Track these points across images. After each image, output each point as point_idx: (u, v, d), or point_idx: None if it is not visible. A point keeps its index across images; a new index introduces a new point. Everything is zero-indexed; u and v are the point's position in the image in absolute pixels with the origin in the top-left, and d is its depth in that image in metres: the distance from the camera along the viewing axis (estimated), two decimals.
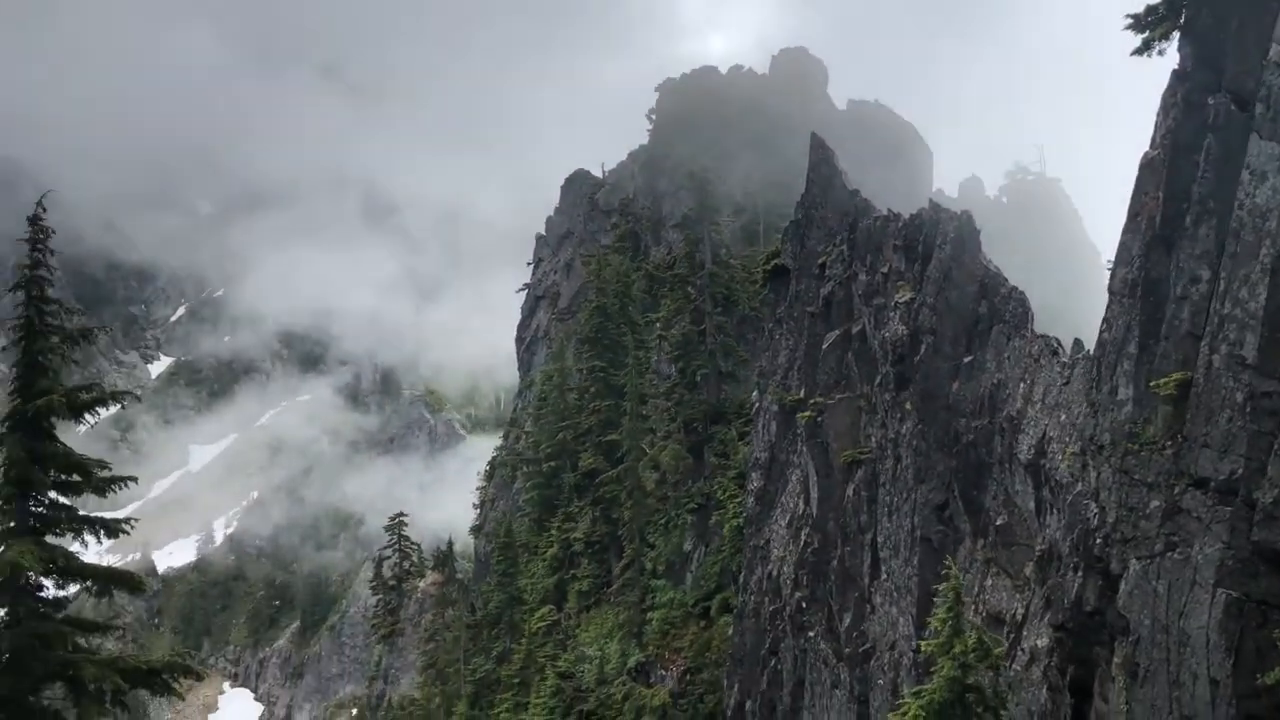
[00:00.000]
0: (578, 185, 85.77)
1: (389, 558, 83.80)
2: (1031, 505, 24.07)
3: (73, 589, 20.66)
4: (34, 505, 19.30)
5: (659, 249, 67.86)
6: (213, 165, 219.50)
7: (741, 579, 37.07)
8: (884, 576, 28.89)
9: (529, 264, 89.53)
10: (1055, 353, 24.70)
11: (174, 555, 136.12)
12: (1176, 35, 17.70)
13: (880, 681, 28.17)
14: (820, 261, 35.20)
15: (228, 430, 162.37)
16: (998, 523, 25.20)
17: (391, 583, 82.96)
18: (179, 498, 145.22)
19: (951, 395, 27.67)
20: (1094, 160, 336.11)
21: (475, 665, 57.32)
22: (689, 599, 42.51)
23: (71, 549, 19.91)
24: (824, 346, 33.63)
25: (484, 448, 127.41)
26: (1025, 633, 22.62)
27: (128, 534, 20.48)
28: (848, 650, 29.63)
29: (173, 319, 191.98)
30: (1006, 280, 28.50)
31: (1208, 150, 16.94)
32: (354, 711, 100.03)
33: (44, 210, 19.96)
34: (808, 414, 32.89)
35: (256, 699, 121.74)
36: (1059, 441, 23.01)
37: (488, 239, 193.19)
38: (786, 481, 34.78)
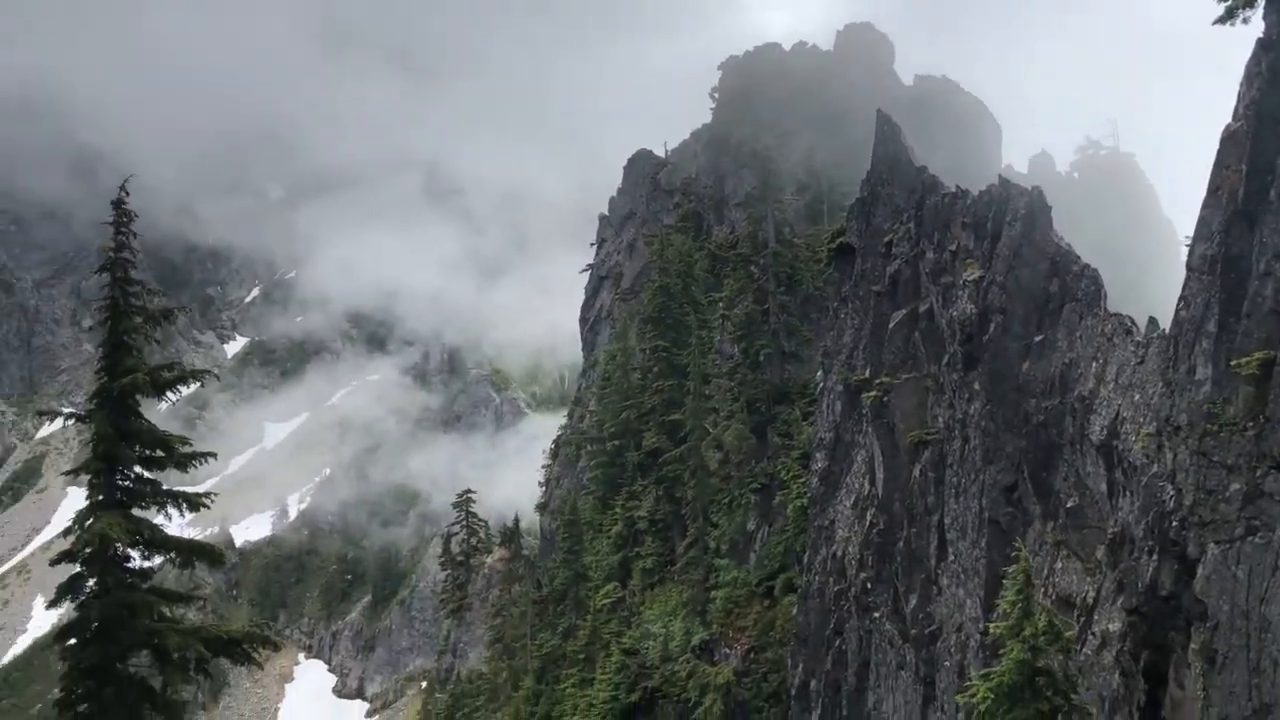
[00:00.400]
0: (640, 165, 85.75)
1: (457, 534, 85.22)
2: (1103, 487, 23.62)
3: (157, 560, 21.34)
4: (120, 479, 19.85)
5: (722, 228, 67.59)
6: (283, 149, 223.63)
7: (806, 559, 36.99)
8: (951, 558, 28.62)
9: (592, 244, 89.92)
10: (1129, 331, 24.15)
11: (250, 529, 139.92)
12: (1262, 3, 17.12)
13: (946, 663, 27.97)
14: (886, 239, 34.78)
15: (300, 409, 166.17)
16: (1068, 505, 24.79)
17: (459, 558, 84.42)
18: (254, 474, 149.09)
19: (1021, 375, 27.23)
20: (1170, 133, 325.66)
21: (541, 640, 58.12)
22: (753, 578, 42.55)
23: (155, 522, 20.58)
24: (890, 326, 33.27)
25: (546, 426, 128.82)
26: (1096, 616, 22.26)
27: (208, 508, 21.05)
28: (913, 632, 29.45)
29: (247, 300, 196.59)
30: (1079, 258, 27.89)
31: None
32: (423, 684, 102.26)
33: (126, 194, 20.51)
34: (873, 394, 32.61)
35: (330, 670, 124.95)
36: (1133, 422, 22.53)
37: (549, 219, 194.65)
38: (852, 462, 34.57)
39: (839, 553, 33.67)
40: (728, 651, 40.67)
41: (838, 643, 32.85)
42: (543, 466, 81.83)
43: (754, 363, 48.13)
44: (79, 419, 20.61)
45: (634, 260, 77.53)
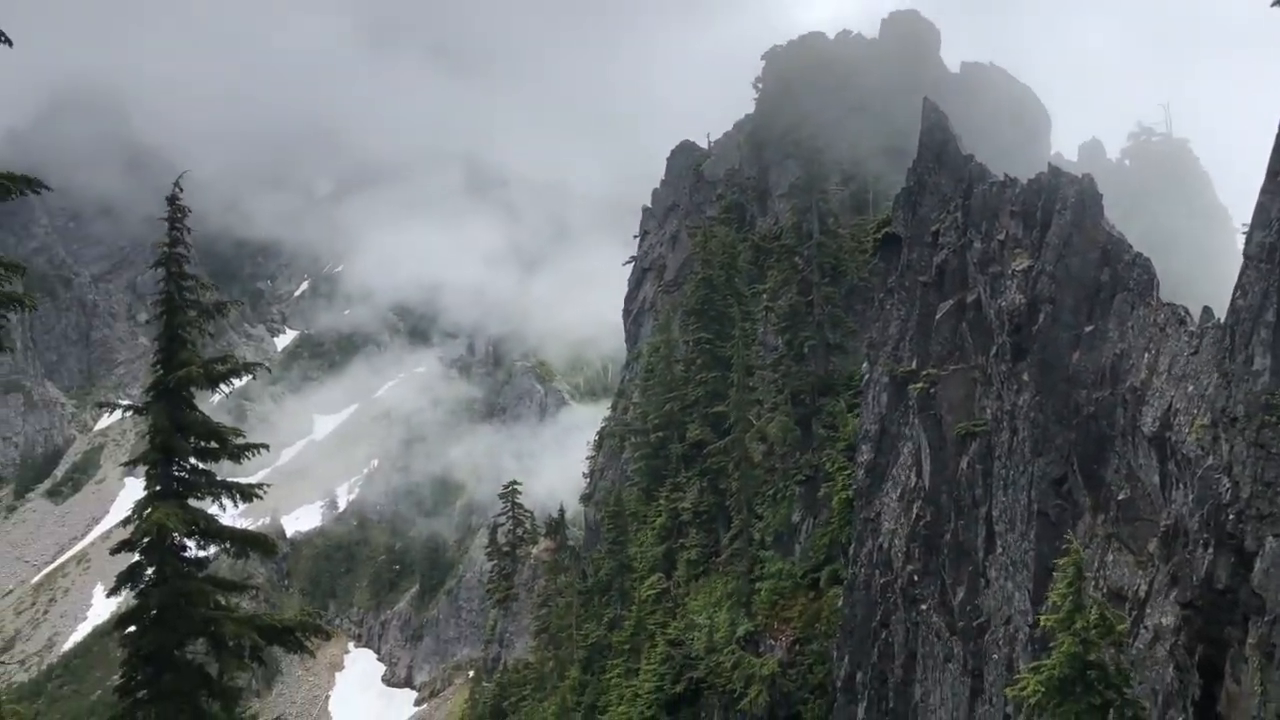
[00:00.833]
0: (683, 157, 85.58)
1: (503, 525, 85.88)
2: (1156, 479, 23.26)
3: (212, 550, 21.81)
4: (177, 470, 20.33)
5: (765, 219, 67.27)
6: (330, 145, 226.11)
7: (851, 551, 36.84)
8: (999, 550, 28.35)
9: (635, 237, 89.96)
10: (1182, 321, 23.73)
11: (300, 520, 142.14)
12: None
13: (995, 656, 27.73)
14: (933, 229, 34.44)
15: (349, 401, 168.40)
16: (1119, 497, 24.43)
17: (505, 549, 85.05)
18: (304, 466, 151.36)
19: (1071, 366, 26.87)
20: (1227, 117, 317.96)
21: (587, 631, 58.44)
22: (798, 570, 42.43)
23: (210, 512, 21.03)
24: (937, 316, 32.96)
25: (587, 416, 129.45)
26: (1149, 610, 21.94)
27: (260, 498, 21.48)
28: (961, 624, 29.22)
29: (296, 294, 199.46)
30: (1130, 247, 27.45)
31: None
32: (470, 673, 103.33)
33: (180, 190, 20.96)
34: (920, 385, 32.34)
35: (379, 659, 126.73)
36: (1186, 413, 22.14)
37: (590, 211, 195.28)
38: (898, 454, 34.34)
39: (885, 545, 33.48)
40: (773, 643, 40.62)
41: (884, 635, 32.70)
42: (587, 458, 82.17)
43: (798, 354, 47.92)
44: (136, 411, 21.06)
45: (677, 252, 77.49)
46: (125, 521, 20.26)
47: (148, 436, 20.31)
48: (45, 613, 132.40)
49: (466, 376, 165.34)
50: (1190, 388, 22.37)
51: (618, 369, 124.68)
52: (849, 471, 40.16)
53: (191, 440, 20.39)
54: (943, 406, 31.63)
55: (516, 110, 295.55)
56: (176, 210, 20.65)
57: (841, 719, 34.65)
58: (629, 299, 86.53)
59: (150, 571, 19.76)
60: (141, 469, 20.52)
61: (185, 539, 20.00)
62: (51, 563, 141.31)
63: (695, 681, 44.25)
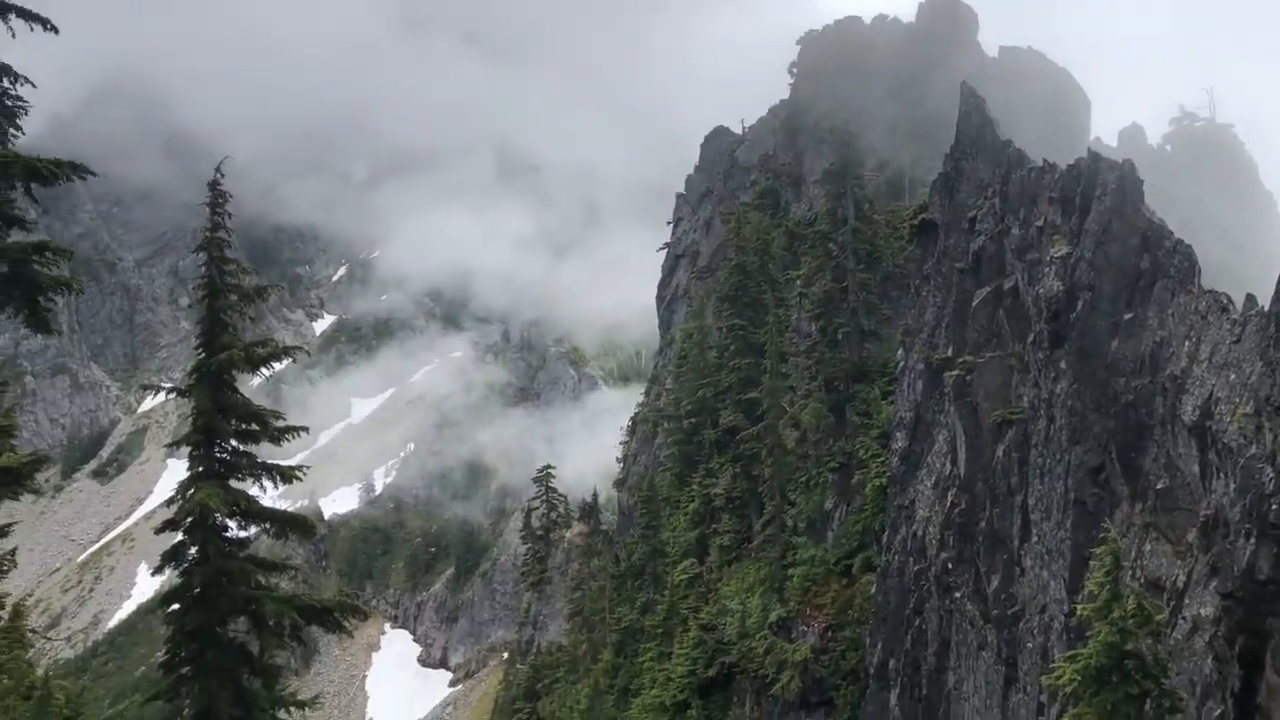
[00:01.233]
0: (718, 142, 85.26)
1: (537, 509, 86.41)
2: (1196, 469, 22.99)
3: (252, 530, 22.15)
4: (218, 451, 20.58)
5: (800, 205, 66.92)
6: (363, 131, 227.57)
7: (885, 538, 36.76)
8: (1034, 539, 28.17)
9: (668, 223, 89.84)
10: (1225, 309, 23.39)
11: (337, 502, 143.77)
12: None
13: (1029, 644, 27.60)
14: (970, 215, 34.14)
15: (385, 385, 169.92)
16: (1158, 486, 24.19)
17: (540, 533, 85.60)
18: (342, 449, 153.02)
19: (1110, 354, 26.58)
20: (1273, 103, 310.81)
21: (620, 615, 58.78)
22: (830, 557, 42.40)
23: (250, 493, 21.33)
24: (974, 303, 32.71)
25: (618, 400, 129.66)
26: (1187, 601, 21.74)
27: (300, 480, 21.73)
28: (995, 612, 29.10)
29: (334, 279, 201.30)
30: (1171, 233, 27.07)
31: None
32: (505, 655, 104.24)
33: (222, 175, 21.19)
34: (956, 373, 32.14)
35: (415, 640, 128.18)
36: (1228, 402, 21.85)
37: (620, 197, 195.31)
38: (933, 441, 34.17)
39: (919, 532, 33.38)
40: (805, 629, 40.65)
41: (917, 622, 32.63)
42: (620, 443, 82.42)
43: (832, 341, 47.73)
44: (179, 393, 21.36)
45: (711, 238, 77.31)
46: (169, 502, 20.59)
47: (190, 418, 20.59)
48: (91, 590, 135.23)
49: (500, 361, 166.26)
50: (1232, 376, 22.07)
51: (650, 354, 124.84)
52: (882, 459, 40.02)
53: (233, 422, 20.62)
54: (979, 394, 31.42)
55: (548, 96, 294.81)
56: (218, 195, 20.84)
57: (874, 706, 34.66)
58: (662, 285, 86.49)
59: (193, 551, 20.04)
60: (184, 450, 20.83)
61: (227, 519, 20.25)
62: (97, 542, 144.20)
63: (727, 666, 44.43)
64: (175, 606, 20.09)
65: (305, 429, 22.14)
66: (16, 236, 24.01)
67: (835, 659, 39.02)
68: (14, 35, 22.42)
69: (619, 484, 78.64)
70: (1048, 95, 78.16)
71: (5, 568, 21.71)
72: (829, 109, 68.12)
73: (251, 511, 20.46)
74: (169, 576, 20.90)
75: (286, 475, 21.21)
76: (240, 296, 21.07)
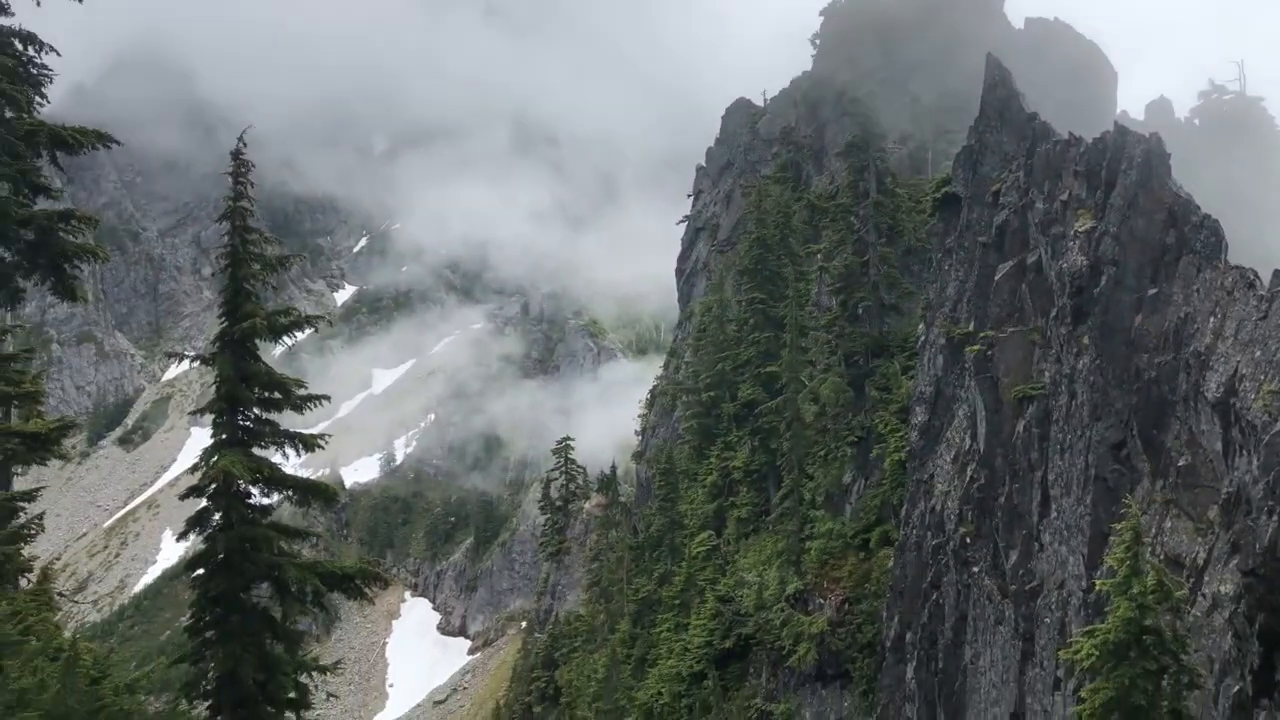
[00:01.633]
0: (738, 115, 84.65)
1: (556, 480, 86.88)
2: (1218, 446, 22.85)
3: (275, 497, 22.38)
4: (241, 419, 20.76)
5: (821, 178, 66.44)
6: (382, 103, 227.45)
7: (903, 512, 36.76)
8: (1054, 515, 28.12)
9: (689, 195, 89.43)
10: (1251, 285, 23.14)
11: (359, 472, 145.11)
12: None
13: (1047, 620, 27.61)
14: (994, 189, 33.83)
15: (406, 356, 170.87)
16: (1180, 463, 24.06)
17: (558, 504, 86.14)
18: (363, 418, 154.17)
19: (1134, 329, 26.37)
20: None
21: (638, 585, 59.17)
22: (848, 530, 42.47)
23: (274, 461, 21.54)
24: (996, 278, 32.47)
25: (634, 372, 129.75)
26: (1207, 578, 21.69)
27: (322, 448, 21.91)
28: (1013, 587, 29.11)
29: (355, 250, 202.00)
30: (1198, 208, 26.74)
31: None
32: (523, 624, 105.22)
33: (244, 145, 21.24)
34: (977, 347, 31.99)
35: (434, 608, 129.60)
36: (1253, 379, 21.67)
37: (638, 169, 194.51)
38: (953, 416, 34.07)
39: (938, 507, 33.36)
40: (822, 602, 40.80)
41: (935, 596, 32.69)
42: (638, 415, 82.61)
43: (852, 315, 47.55)
44: (203, 361, 21.55)
45: (731, 211, 76.94)
46: (193, 468, 20.93)
47: (214, 386, 20.79)
48: (117, 556, 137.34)
49: (518, 333, 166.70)
50: (1258, 353, 21.88)
51: (668, 326, 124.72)
52: (901, 433, 39.94)
53: (256, 390, 20.77)
54: (1000, 369, 31.27)
55: (567, 68, 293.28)
56: (240, 165, 20.89)
57: (890, 679, 34.82)
58: (681, 258, 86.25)
59: (217, 517, 20.27)
60: (208, 418, 21.04)
61: (250, 486, 20.45)
62: (123, 508, 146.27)
63: (744, 638, 44.71)
64: (200, 572, 20.35)
65: (327, 397, 22.30)
66: (43, 204, 24.15)
67: (852, 632, 39.17)
68: (39, 3, 22.50)
69: (637, 456, 78.90)
70: (1074, 67, 77.05)
71: (33, 532, 22.09)
72: (851, 81, 67.52)
73: (274, 478, 20.64)
74: (193, 542, 21.16)
75: (309, 443, 21.39)
76: (263, 265, 21.17)
